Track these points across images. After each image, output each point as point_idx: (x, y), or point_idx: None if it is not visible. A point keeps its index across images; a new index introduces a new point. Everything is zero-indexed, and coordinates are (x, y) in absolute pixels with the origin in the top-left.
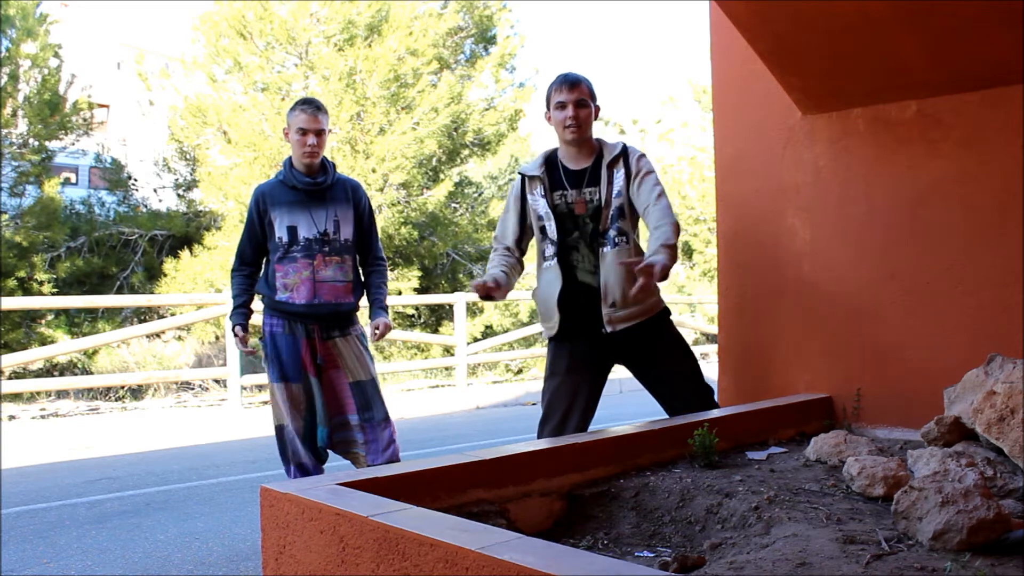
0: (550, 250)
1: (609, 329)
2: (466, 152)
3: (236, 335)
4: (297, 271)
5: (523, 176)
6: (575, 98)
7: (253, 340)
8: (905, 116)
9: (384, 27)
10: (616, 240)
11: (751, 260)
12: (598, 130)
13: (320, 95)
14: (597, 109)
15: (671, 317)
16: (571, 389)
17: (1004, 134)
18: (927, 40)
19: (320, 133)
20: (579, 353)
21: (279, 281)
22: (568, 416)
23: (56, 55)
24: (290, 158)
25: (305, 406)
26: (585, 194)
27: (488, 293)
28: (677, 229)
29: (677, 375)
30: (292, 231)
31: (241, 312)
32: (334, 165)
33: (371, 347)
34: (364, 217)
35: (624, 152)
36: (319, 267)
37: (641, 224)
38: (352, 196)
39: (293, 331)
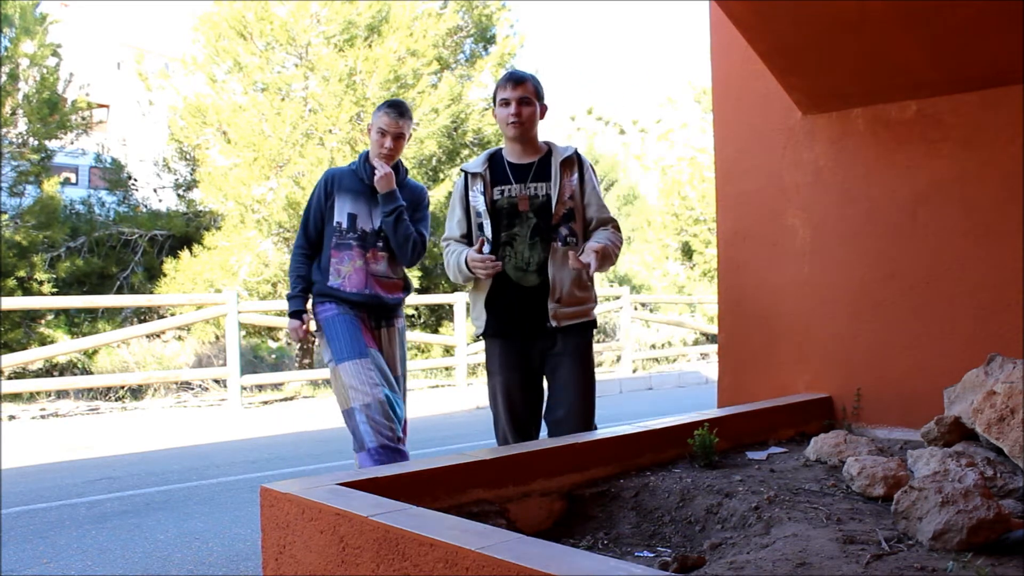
0: (484, 248)
1: (554, 324)
2: (466, 152)
3: (291, 328)
4: (352, 259)
5: (466, 173)
6: (518, 95)
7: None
8: (905, 116)
9: (384, 27)
10: (567, 240)
11: (751, 260)
12: (599, 129)
13: (320, 96)
14: (544, 109)
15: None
16: (512, 385)
17: (1004, 134)
18: (927, 40)
19: (399, 137)
20: (512, 349)
21: (333, 267)
22: (516, 412)
23: (55, 54)
24: (367, 152)
25: (380, 377)
26: (530, 189)
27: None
28: (618, 240)
29: (573, 385)
30: (352, 219)
31: (300, 299)
32: (406, 170)
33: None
34: (418, 213)
35: (579, 157)
36: (371, 260)
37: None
38: (414, 199)
39: (350, 311)
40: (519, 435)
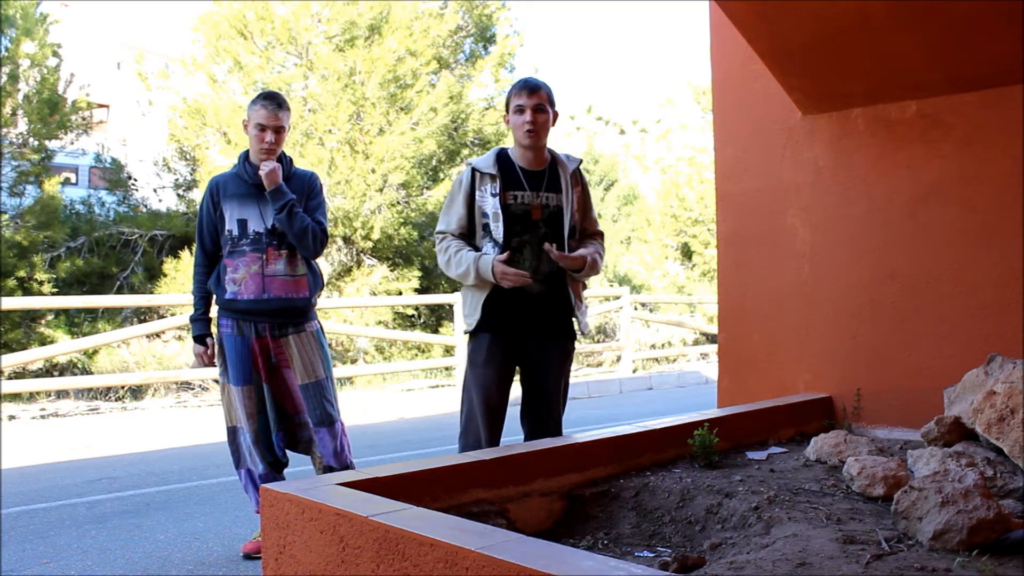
0: (490, 250)
1: (581, 331)
2: (466, 152)
3: (196, 353)
4: (246, 265)
5: (474, 170)
6: (534, 103)
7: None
8: (905, 116)
9: (385, 28)
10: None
11: (751, 260)
12: (597, 129)
13: (320, 95)
14: (555, 115)
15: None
16: (492, 380)
17: (1004, 134)
18: (927, 40)
19: (279, 130)
20: (501, 348)
21: (228, 276)
22: (491, 407)
23: (55, 54)
24: (247, 151)
25: (257, 409)
26: (542, 198)
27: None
28: (603, 250)
29: (559, 390)
30: (242, 224)
31: (202, 323)
32: (291, 160)
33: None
34: (312, 201)
35: (580, 170)
36: (269, 261)
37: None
38: (304, 188)
39: (242, 331)
40: (490, 430)
